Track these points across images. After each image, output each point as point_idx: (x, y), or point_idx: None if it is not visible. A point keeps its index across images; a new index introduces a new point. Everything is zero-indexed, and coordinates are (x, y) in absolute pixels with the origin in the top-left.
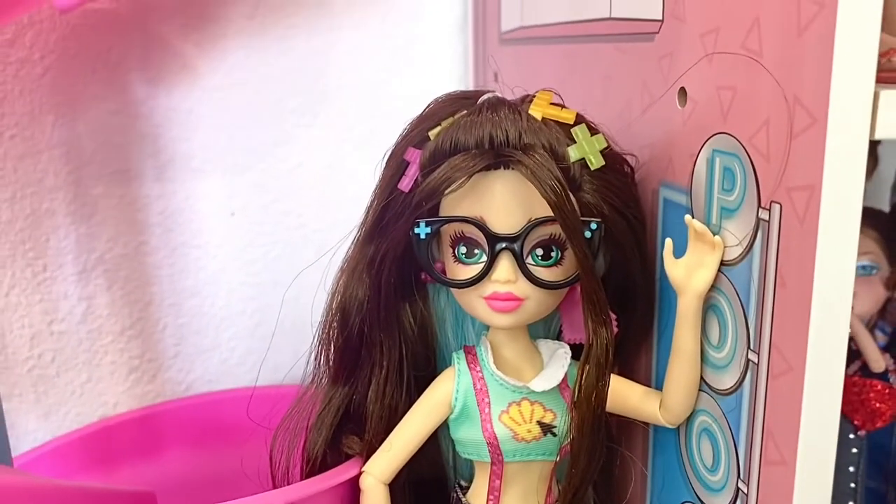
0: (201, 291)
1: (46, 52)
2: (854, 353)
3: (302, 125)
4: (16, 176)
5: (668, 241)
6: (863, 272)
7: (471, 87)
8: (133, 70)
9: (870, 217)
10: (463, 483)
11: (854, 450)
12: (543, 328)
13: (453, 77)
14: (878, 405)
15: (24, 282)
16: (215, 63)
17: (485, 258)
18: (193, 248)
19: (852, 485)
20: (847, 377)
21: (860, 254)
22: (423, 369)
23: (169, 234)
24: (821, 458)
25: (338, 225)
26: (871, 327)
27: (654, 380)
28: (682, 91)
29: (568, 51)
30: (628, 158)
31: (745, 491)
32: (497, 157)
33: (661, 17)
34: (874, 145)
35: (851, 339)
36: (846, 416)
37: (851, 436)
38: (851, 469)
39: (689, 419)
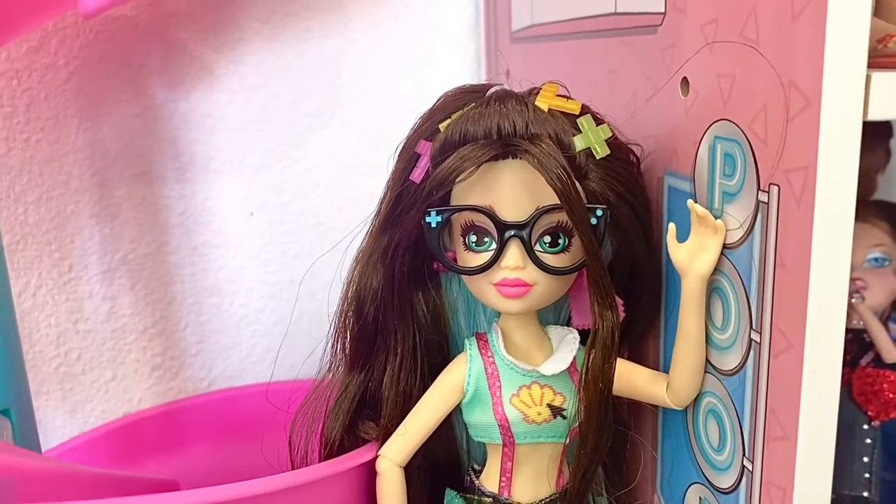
0: (221, 290)
1: (70, 58)
2: (867, 345)
3: (317, 126)
4: (42, 179)
5: (671, 226)
6: (875, 264)
7: None
8: (153, 74)
9: (882, 209)
10: (476, 466)
11: (868, 440)
12: (553, 315)
13: (465, 76)
14: (891, 395)
15: (51, 282)
16: (232, 66)
17: (494, 246)
18: (213, 247)
19: (867, 475)
20: (860, 368)
21: (872, 246)
22: (436, 356)
23: (190, 234)
24: (821, 431)
25: (354, 223)
26: (885, 319)
27: (662, 364)
28: (685, 81)
29: (576, 46)
30: (633, 148)
31: (751, 468)
32: (505, 146)
33: (663, 10)
34: (887, 138)
35: (864, 331)
36: (860, 407)
37: (865, 426)
38: (865, 459)
39: (696, 401)
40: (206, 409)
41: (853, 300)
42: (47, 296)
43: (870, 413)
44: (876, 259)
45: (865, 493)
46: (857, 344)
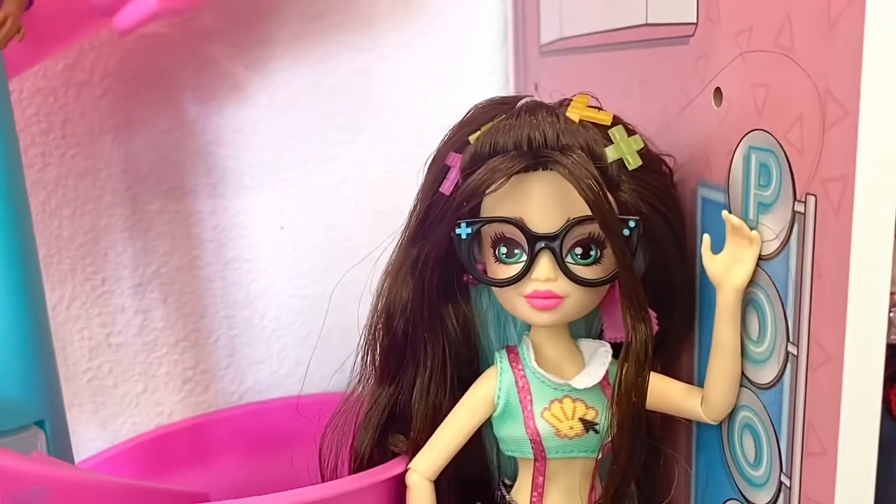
0: (252, 304)
1: (105, 74)
2: None
3: (347, 141)
4: (76, 193)
5: (706, 237)
6: None
7: None
8: (186, 90)
9: None
10: (507, 481)
11: None
12: (584, 328)
13: (494, 90)
14: None
15: (84, 295)
16: (263, 83)
17: (525, 258)
18: (245, 261)
19: None
20: None
21: None
22: (466, 369)
23: (221, 249)
24: (862, 446)
25: (382, 237)
26: None
27: (696, 377)
28: (718, 91)
29: (606, 58)
30: (666, 159)
31: (788, 484)
32: (535, 158)
33: (695, 20)
34: None
35: None
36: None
37: None
38: None
39: (731, 415)
40: (236, 423)
41: (891, 315)
42: (80, 309)
43: None
44: None
45: None
46: None
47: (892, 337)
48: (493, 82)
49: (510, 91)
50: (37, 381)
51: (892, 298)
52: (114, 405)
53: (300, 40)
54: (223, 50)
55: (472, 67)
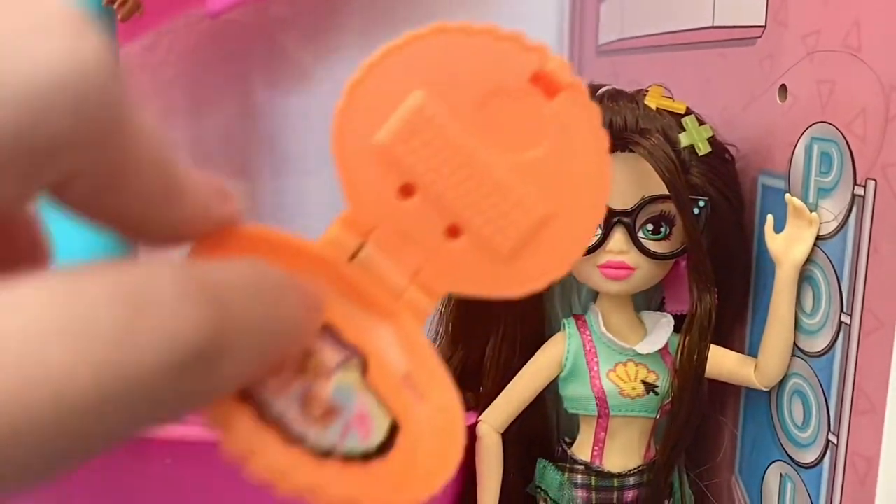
0: None
1: (180, 57)
2: None
3: None
4: None
5: (769, 217)
6: None
7: None
8: (255, 75)
9: None
10: (567, 439)
11: None
12: (644, 301)
13: None
14: None
15: None
16: (329, 72)
17: (600, 231)
18: None
19: None
20: None
21: None
22: (533, 334)
23: (281, 228)
24: None
25: None
26: None
27: (747, 349)
28: (783, 87)
29: (668, 58)
30: (729, 149)
31: (836, 441)
32: (617, 139)
33: (763, 23)
34: None
35: None
36: None
37: None
38: None
39: (781, 383)
40: None
41: None
42: None
43: None
44: None
45: None
46: None
47: None
48: None
49: None
50: None
51: None
52: None
53: (366, 34)
54: (293, 38)
55: None
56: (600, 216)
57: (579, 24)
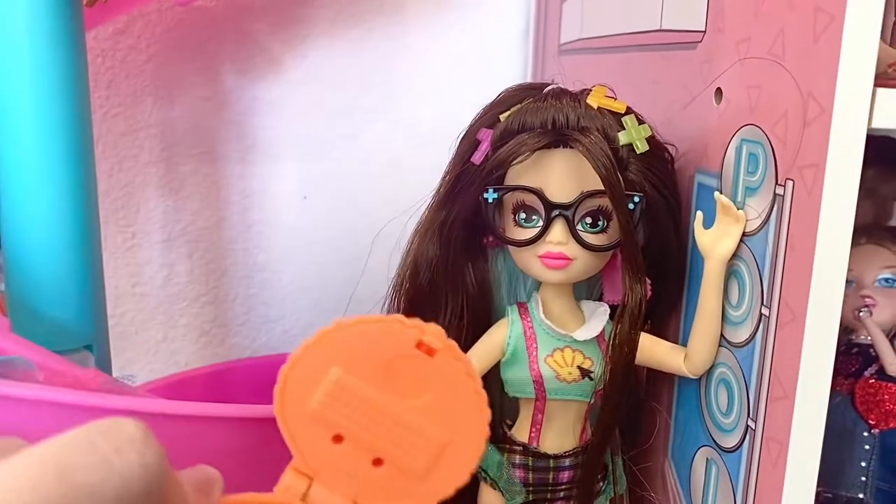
0: (271, 267)
1: (152, 41)
2: (872, 358)
3: (372, 121)
4: (115, 150)
5: (699, 214)
6: (885, 284)
7: None
8: (225, 62)
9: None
10: (508, 422)
11: (867, 446)
12: (586, 291)
13: (512, 83)
14: (891, 406)
15: (115, 247)
16: (298, 59)
17: (541, 223)
18: (268, 226)
19: (863, 478)
20: (864, 379)
21: (884, 267)
22: (479, 321)
23: (246, 213)
24: (817, 389)
25: (398, 213)
26: (892, 336)
27: (681, 339)
28: (719, 90)
29: (621, 59)
30: (669, 148)
31: (753, 427)
32: (558, 136)
33: (703, 29)
34: None
35: (871, 346)
36: (861, 415)
37: (865, 433)
38: (863, 464)
39: (709, 371)
40: (252, 372)
41: (861, 314)
42: (110, 259)
43: (870, 421)
44: (886, 279)
45: (861, 496)
46: (862, 357)
47: (861, 337)
48: (513, 75)
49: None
50: (89, 308)
51: (862, 301)
52: (133, 350)
53: (336, 23)
54: (263, 26)
55: (493, 59)
56: (485, 437)
57: (543, 24)
